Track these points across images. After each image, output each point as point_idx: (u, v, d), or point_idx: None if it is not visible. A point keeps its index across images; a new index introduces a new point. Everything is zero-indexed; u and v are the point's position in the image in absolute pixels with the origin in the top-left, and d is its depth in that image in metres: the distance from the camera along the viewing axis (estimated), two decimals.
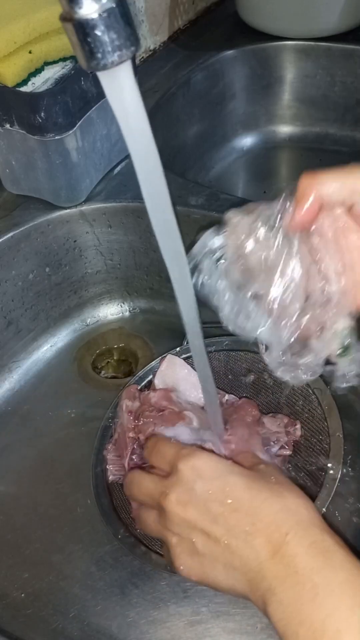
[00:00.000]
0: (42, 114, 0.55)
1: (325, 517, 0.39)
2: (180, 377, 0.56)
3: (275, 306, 0.37)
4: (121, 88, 0.29)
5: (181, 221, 0.35)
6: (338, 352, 0.38)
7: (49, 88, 0.57)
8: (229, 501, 0.38)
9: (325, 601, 0.33)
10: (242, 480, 0.39)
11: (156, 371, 0.57)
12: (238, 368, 0.58)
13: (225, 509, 0.38)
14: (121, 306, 0.76)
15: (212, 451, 0.45)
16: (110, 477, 0.52)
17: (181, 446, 0.43)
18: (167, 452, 0.43)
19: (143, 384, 0.57)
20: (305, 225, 0.36)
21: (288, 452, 0.52)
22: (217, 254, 0.39)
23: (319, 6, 0.87)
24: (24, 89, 0.57)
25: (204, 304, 0.43)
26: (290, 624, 0.33)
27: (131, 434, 0.51)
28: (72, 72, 0.59)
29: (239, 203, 0.63)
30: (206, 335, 0.44)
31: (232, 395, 0.57)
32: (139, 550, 0.47)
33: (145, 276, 0.72)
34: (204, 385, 0.47)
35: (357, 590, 0.33)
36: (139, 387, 0.56)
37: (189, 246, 0.38)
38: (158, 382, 0.56)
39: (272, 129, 0.99)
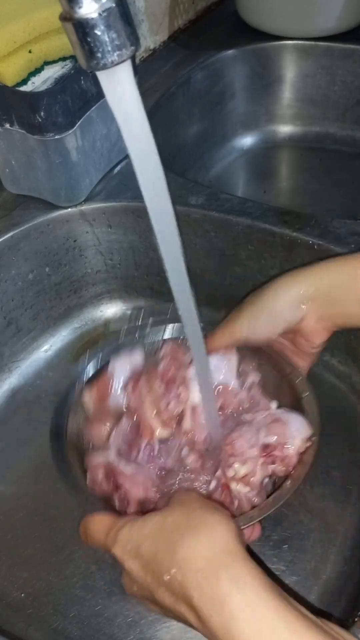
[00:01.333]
0: (42, 114, 0.55)
1: None
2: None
3: None
4: (121, 88, 0.29)
5: (181, 221, 0.35)
6: None
7: (49, 87, 0.57)
8: (151, 572, 0.39)
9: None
10: (151, 545, 0.39)
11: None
12: None
13: (154, 580, 0.39)
14: (121, 306, 0.76)
15: None
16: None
17: (106, 530, 0.42)
18: (95, 537, 0.44)
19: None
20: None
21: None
22: None
23: (319, 6, 0.87)
24: (23, 88, 0.57)
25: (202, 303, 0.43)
26: None
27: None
28: (72, 71, 0.59)
29: (239, 203, 0.64)
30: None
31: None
32: None
33: (145, 276, 0.72)
34: (201, 384, 0.47)
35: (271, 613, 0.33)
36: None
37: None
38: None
39: (272, 129, 0.99)
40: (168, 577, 0.37)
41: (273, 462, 0.47)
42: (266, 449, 0.47)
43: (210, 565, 0.36)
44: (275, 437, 0.47)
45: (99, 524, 0.43)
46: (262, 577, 0.35)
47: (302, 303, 0.48)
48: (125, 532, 0.41)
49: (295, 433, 0.48)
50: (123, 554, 0.40)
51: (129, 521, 0.41)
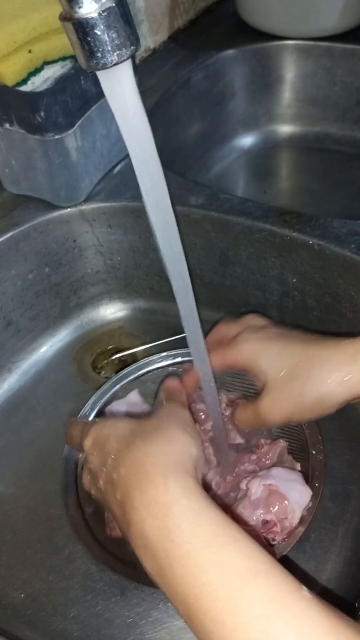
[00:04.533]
0: (42, 114, 0.55)
1: None
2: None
3: None
4: (121, 88, 0.29)
5: (181, 221, 0.35)
6: None
7: (49, 87, 0.57)
8: (109, 465, 0.40)
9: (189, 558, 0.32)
10: (114, 442, 0.41)
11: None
12: None
13: (108, 476, 0.40)
14: (121, 306, 0.76)
15: None
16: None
17: (83, 425, 0.45)
18: (74, 435, 0.46)
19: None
20: None
21: None
22: None
23: (319, 6, 0.87)
24: (23, 88, 0.57)
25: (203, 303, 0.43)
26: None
27: None
28: (72, 71, 0.59)
29: (239, 203, 0.64)
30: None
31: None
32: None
33: (145, 276, 0.72)
34: (205, 389, 0.47)
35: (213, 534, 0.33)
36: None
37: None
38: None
39: (272, 129, 0.99)
40: (115, 474, 0.38)
41: (274, 539, 0.47)
42: (266, 525, 0.47)
43: (159, 470, 0.36)
44: (274, 515, 0.46)
45: (78, 424, 0.47)
46: (208, 496, 0.35)
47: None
48: (97, 428, 0.43)
49: (295, 506, 0.47)
50: (89, 447, 0.42)
51: (103, 421, 0.44)
